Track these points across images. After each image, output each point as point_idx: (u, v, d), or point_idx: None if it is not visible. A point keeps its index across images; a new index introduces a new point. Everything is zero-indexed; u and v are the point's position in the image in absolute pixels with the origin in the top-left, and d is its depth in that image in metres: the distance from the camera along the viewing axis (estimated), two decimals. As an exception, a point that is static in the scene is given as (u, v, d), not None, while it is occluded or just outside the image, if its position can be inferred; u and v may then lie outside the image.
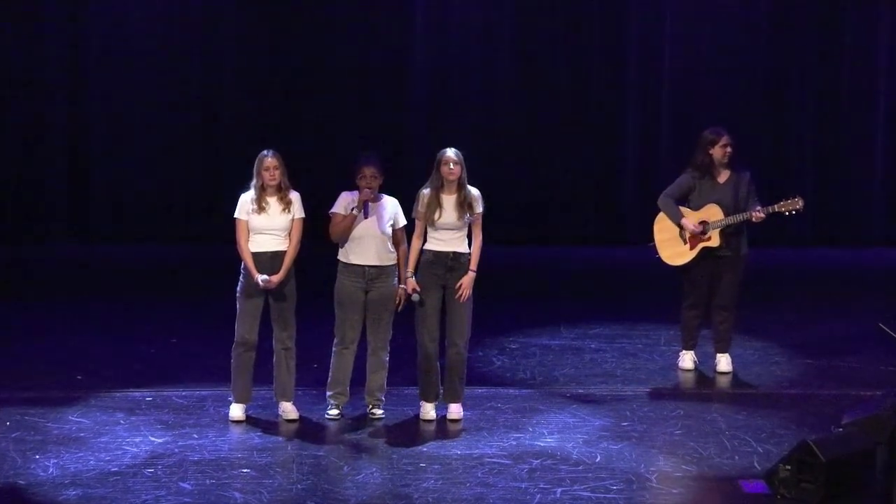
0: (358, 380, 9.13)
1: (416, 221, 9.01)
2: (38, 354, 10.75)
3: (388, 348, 9.11)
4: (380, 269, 8.99)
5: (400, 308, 9.04)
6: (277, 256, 8.93)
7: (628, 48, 16.52)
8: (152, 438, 8.58)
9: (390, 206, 9.06)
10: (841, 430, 8.20)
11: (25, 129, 15.91)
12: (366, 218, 8.93)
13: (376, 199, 9.00)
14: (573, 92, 16.51)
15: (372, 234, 8.96)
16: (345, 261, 9.03)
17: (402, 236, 9.08)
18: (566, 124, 16.49)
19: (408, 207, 9.07)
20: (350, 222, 8.94)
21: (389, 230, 9.01)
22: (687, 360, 10.43)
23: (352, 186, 9.01)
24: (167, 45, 16.04)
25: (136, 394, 9.55)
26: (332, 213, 9.02)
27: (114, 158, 16.12)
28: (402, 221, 9.09)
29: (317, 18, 16.19)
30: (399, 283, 9.04)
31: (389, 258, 9.03)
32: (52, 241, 15.87)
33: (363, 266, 8.97)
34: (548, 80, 16.46)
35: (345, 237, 8.97)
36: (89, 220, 16.14)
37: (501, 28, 16.44)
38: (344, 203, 9.00)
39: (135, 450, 8.35)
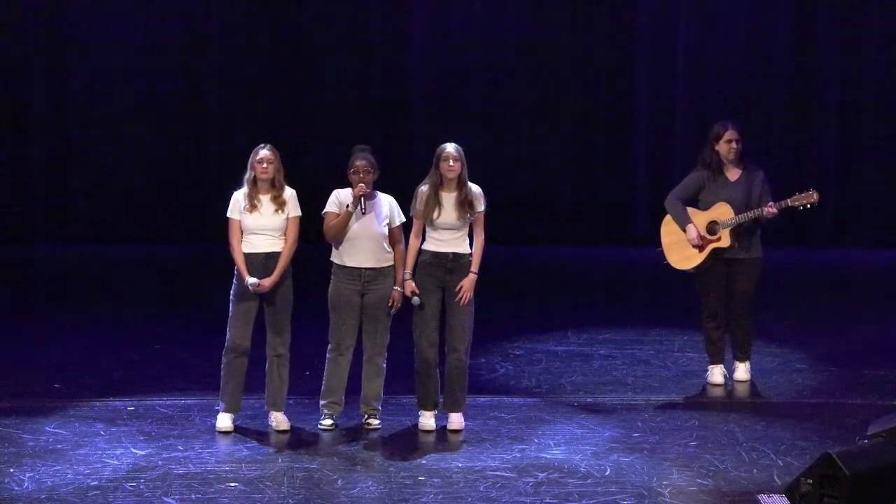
0: (353, 388, 9.14)
1: (414, 220, 9.02)
2: (12, 361, 10.76)
3: (386, 354, 9.11)
4: (377, 272, 9.00)
5: (394, 311, 9.04)
6: (272, 258, 8.92)
7: (639, 41, 16.55)
8: (134, 450, 8.56)
9: (386, 204, 9.06)
10: (866, 441, 8.18)
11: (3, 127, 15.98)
12: (363, 214, 8.91)
13: (371, 196, 9.00)
14: (581, 88, 16.55)
15: (368, 235, 8.96)
16: (339, 263, 9.03)
17: (400, 235, 9.06)
18: (576, 121, 16.52)
19: (406, 205, 9.08)
20: (345, 220, 8.93)
21: (385, 229, 9.00)
22: (717, 374, 10.31)
23: (345, 183, 9.02)
24: (149, 44, 16.13)
25: (118, 403, 9.56)
26: (325, 213, 9.02)
27: (95, 157, 16.14)
28: (400, 219, 9.06)
29: (313, 11, 16.25)
30: (395, 284, 9.05)
31: (386, 259, 9.02)
32: (29, 241, 15.87)
33: (359, 268, 8.98)
34: (554, 74, 16.50)
35: (340, 237, 8.98)
36: (69, 220, 16.16)
37: (505, 20, 16.47)
38: (336, 201, 9.01)
39: (116, 462, 8.33)
